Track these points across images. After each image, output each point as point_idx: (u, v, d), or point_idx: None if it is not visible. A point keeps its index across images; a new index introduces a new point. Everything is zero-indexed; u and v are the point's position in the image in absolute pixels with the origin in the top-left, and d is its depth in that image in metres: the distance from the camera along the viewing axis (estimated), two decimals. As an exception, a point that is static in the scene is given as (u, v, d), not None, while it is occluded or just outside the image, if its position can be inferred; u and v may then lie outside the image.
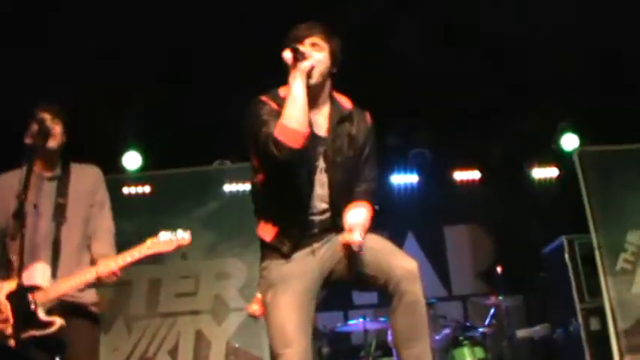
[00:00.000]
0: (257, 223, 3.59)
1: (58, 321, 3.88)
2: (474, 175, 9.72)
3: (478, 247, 9.92)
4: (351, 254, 3.34)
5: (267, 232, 3.51)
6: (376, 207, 3.62)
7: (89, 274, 3.91)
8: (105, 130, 7.64)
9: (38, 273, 3.93)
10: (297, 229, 3.47)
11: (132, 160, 8.23)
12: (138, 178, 8.11)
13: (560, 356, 8.38)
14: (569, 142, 8.69)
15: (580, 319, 7.88)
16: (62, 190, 4.18)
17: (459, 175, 9.72)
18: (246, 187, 7.77)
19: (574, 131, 8.70)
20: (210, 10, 6.76)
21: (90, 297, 4.13)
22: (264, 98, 3.51)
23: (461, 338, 7.25)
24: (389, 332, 7.41)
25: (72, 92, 4.51)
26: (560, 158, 9.02)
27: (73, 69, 6.99)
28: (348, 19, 6.37)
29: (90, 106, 6.74)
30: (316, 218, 3.50)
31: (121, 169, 8.24)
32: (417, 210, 9.58)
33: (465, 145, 9.32)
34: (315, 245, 3.49)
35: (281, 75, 3.52)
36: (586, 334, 7.81)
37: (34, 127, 4.09)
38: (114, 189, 7.34)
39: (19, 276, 3.70)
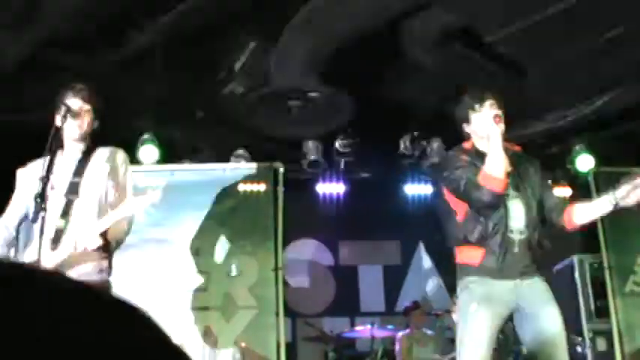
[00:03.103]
0: (458, 251, 4.20)
1: None
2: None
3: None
4: None
5: (473, 256, 4.08)
6: None
7: (70, 243, 3.91)
8: (122, 123, 7.63)
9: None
10: (501, 247, 4.04)
11: (148, 154, 8.17)
12: (153, 172, 8.08)
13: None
14: (584, 162, 8.64)
15: (587, 340, 7.86)
16: (79, 170, 4.19)
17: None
18: (261, 187, 7.77)
19: (589, 152, 8.66)
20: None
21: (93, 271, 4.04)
22: (456, 153, 4.32)
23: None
24: (396, 341, 7.40)
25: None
26: (574, 178, 8.97)
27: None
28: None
29: (109, 99, 6.71)
30: (515, 237, 4.08)
31: (137, 162, 8.14)
32: (429, 220, 9.55)
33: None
34: (518, 281, 4.04)
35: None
36: (592, 355, 7.78)
37: (62, 110, 4.09)
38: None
39: (38, 255, 3.74)
